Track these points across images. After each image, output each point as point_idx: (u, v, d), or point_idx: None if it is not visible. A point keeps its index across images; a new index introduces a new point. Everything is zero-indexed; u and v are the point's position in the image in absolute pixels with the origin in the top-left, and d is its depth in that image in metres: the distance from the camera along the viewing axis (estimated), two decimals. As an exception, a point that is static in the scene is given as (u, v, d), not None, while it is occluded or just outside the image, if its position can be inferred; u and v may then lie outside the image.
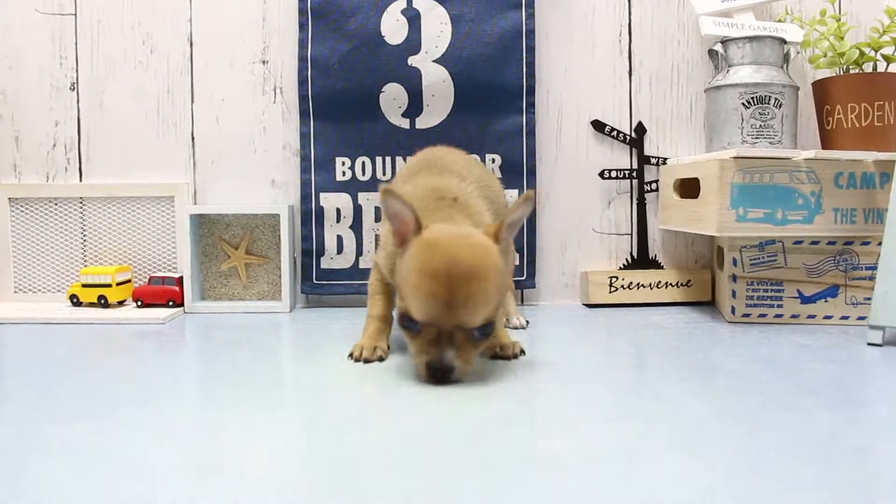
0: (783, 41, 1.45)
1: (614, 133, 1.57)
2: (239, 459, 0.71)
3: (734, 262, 1.37)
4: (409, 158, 1.33)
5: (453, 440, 0.76)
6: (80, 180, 1.58)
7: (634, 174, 1.58)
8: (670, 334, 1.28)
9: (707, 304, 1.55)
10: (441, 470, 0.67)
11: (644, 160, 1.58)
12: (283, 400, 0.93)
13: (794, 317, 1.36)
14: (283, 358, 1.13)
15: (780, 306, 1.36)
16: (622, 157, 1.58)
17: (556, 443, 0.74)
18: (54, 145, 1.58)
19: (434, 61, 1.51)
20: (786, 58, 1.46)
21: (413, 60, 1.52)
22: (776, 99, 1.42)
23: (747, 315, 1.37)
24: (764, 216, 1.30)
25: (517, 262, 1.51)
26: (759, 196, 1.30)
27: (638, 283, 1.54)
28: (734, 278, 1.37)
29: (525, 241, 1.54)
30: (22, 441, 0.76)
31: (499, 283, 0.94)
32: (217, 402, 0.91)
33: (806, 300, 1.36)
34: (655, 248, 1.59)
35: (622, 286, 1.54)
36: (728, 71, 1.45)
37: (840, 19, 1.42)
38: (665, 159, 1.57)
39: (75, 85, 1.57)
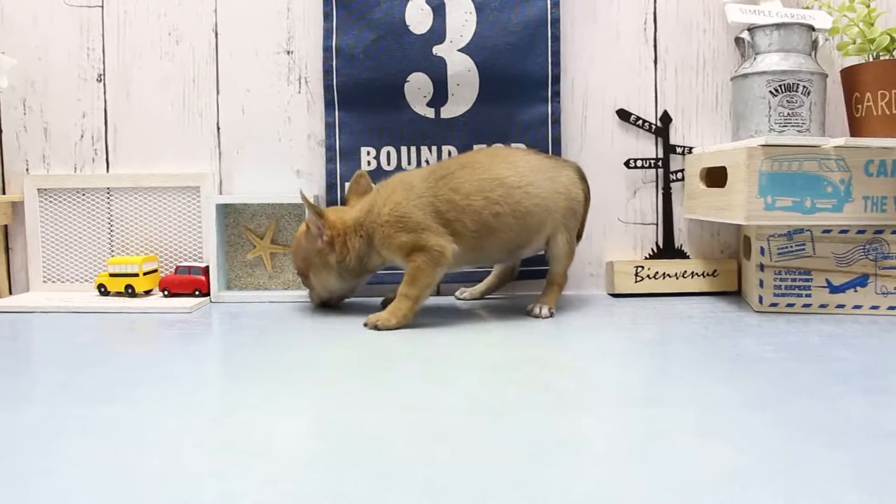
0: (811, 28, 1.43)
1: (639, 122, 1.56)
2: (263, 437, 0.72)
3: (762, 251, 1.36)
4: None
5: (480, 423, 0.76)
6: (108, 171, 1.59)
7: (660, 163, 1.57)
8: (697, 323, 1.27)
9: (733, 294, 1.54)
10: (466, 451, 0.68)
11: (669, 149, 1.57)
12: (308, 381, 0.93)
13: (822, 306, 1.35)
14: (308, 344, 1.14)
15: (808, 296, 1.35)
16: (647, 146, 1.57)
17: (583, 427, 0.74)
18: (82, 136, 1.59)
19: (459, 50, 1.51)
20: (814, 45, 1.44)
21: (438, 50, 1.51)
22: (804, 86, 1.40)
23: (775, 304, 1.36)
24: (792, 204, 1.29)
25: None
26: (788, 184, 1.28)
27: (664, 273, 1.54)
28: (762, 267, 1.37)
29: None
30: (49, 421, 0.78)
31: (295, 252, 1.37)
32: (243, 384, 0.92)
33: (835, 290, 1.35)
34: (681, 238, 1.58)
35: (648, 276, 1.53)
36: (755, 59, 1.44)
37: (870, 5, 1.41)
38: (691, 148, 1.56)
39: (102, 76, 1.58)
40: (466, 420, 0.77)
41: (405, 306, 1.25)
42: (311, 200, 1.38)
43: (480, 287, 1.51)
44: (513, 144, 1.52)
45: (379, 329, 1.23)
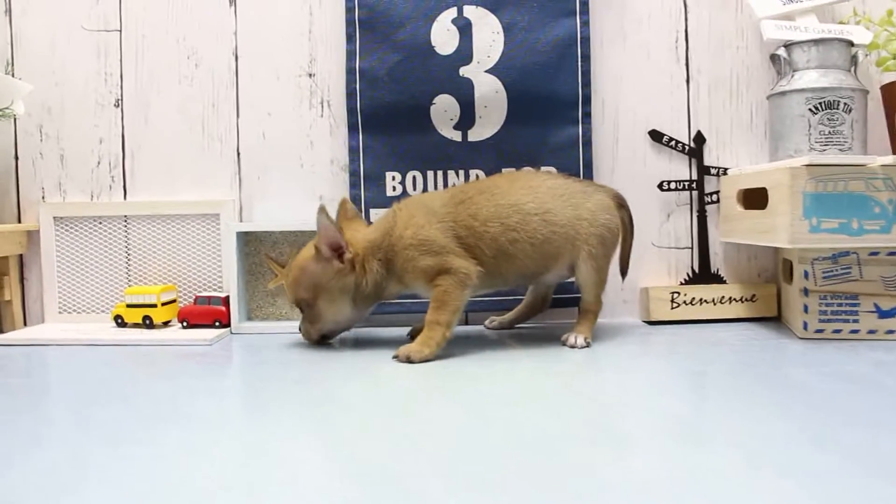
0: (850, 43, 1.39)
1: (672, 143, 1.52)
2: (291, 480, 0.67)
3: (805, 274, 1.31)
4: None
5: (520, 461, 0.71)
6: (125, 198, 1.55)
7: (694, 185, 1.52)
8: (741, 351, 1.22)
9: (772, 319, 1.48)
10: (509, 494, 0.62)
11: (704, 171, 1.52)
12: (337, 419, 0.87)
13: (871, 332, 1.29)
14: (335, 378, 1.08)
15: (855, 321, 1.30)
16: (681, 168, 1.52)
17: (631, 464, 0.69)
18: (98, 163, 1.55)
19: (486, 71, 1.47)
20: (853, 61, 1.40)
21: (465, 71, 1.47)
22: (845, 104, 1.35)
23: (820, 331, 1.31)
24: (839, 226, 1.23)
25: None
26: (834, 205, 1.23)
27: (700, 299, 1.48)
28: (806, 292, 1.31)
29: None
30: (68, 465, 0.73)
31: (297, 278, 1.27)
32: (269, 423, 0.86)
33: (884, 314, 1.29)
34: (717, 262, 1.53)
35: (684, 302, 1.48)
36: (793, 76, 1.39)
37: (911, 20, 1.36)
38: (726, 169, 1.51)
39: (120, 101, 1.54)
40: (506, 459, 0.71)
41: (437, 334, 1.19)
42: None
43: (510, 316, 1.46)
44: (542, 168, 1.47)
45: (412, 361, 1.17)
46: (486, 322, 1.47)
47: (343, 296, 1.26)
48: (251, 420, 0.89)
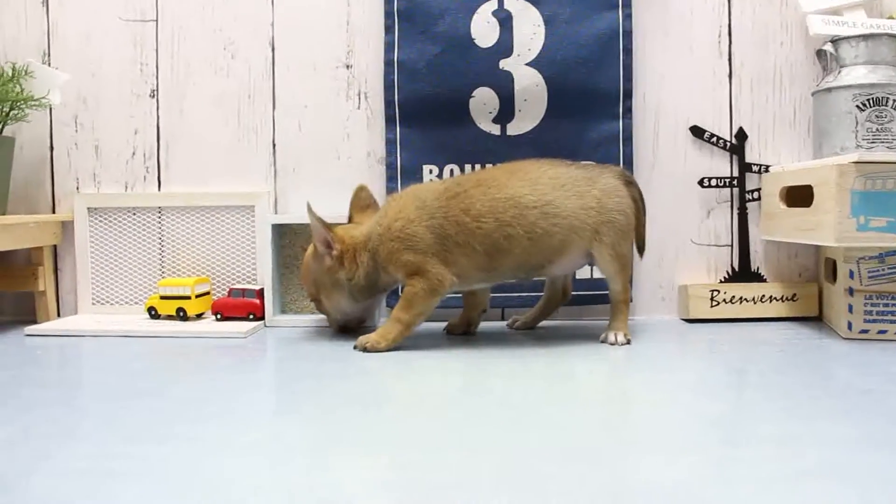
0: (900, 39, 1.36)
1: (714, 139, 1.49)
2: (331, 482, 0.65)
3: (850, 274, 1.29)
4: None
5: (571, 466, 0.69)
6: (159, 189, 1.54)
7: (735, 182, 1.50)
8: (786, 352, 1.20)
9: (813, 319, 1.46)
10: (560, 500, 0.60)
11: (745, 167, 1.49)
12: (376, 418, 0.86)
13: (917, 333, 1.27)
14: (372, 372, 1.07)
15: (902, 322, 1.28)
16: (722, 165, 1.50)
17: (690, 469, 0.67)
18: (133, 154, 1.54)
19: (527, 64, 1.45)
20: (903, 57, 1.37)
21: (504, 64, 1.45)
22: (894, 100, 1.33)
23: (865, 331, 1.28)
24: (887, 225, 1.21)
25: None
26: (882, 204, 1.21)
27: (741, 298, 1.46)
28: (851, 292, 1.29)
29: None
30: (100, 461, 0.71)
31: (305, 276, 1.34)
32: (306, 421, 0.85)
33: (931, 316, 1.27)
34: (757, 261, 1.51)
35: (724, 300, 1.46)
36: (840, 72, 1.37)
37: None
38: (767, 166, 1.49)
39: (155, 92, 1.53)
40: (555, 463, 0.70)
41: (396, 330, 1.22)
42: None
43: (532, 314, 1.42)
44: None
45: (368, 351, 1.21)
46: (509, 322, 1.45)
47: (338, 290, 1.29)
48: (290, 419, 0.87)
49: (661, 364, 1.13)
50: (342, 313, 1.34)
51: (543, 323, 1.43)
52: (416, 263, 1.21)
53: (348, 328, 1.37)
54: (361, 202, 1.36)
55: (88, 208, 1.53)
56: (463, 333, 1.37)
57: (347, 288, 1.28)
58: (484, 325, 1.41)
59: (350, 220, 1.36)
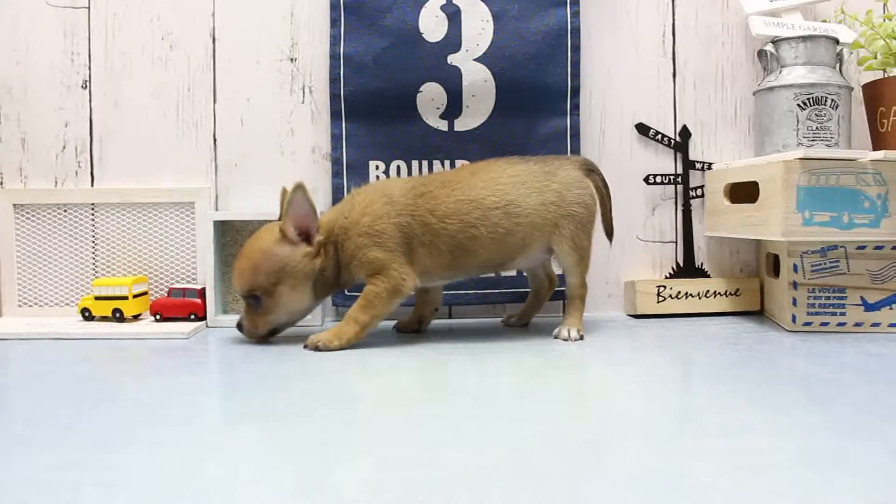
0: (836, 41, 1.40)
1: (658, 137, 1.51)
2: (317, 485, 0.62)
3: (795, 268, 1.32)
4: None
5: (566, 457, 0.68)
6: (92, 185, 1.47)
7: (679, 179, 1.52)
8: (740, 344, 1.21)
9: (756, 313, 1.49)
10: (510, 487, 0.59)
11: (689, 165, 1.52)
12: (356, 417, 0.83)
13: (857, 325, 1.31)
14: (337, 373, 1.04)
15: (843, 314, 1.31)
16: (666, 162, 1.52)
17: (683, 460, 0.67)
18: (64, 147, 1.47)
19: (475, 60, 1.44)
20: (839, 58, 1.41)
21: (453, 59, 1.44)
22: (832, 100, 1.37)
23: (808, 324, 1.32)
24: (830, 220, 1.24)
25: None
26: (826, 199, 1.24)
27: (686, 293, 1.48)
28: (795, 285, 1.32)
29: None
30: (63, 471, 0.66)
31: (257, 263, 1.19)
32: (282, 422, 0.81)
33: (870, 307, 1.31)
34: (701, 257, 1.53)
35: (670, 296, 1.48)
36: (780, 72, 1.40)
37: (893, 18, 1.39)
38: (710, 164, 1.52)
39: (88, 83, 1.46)
40: (551, 456, 0.69)
41: (352, 331, 1.19)
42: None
43: (524, 309, 1.41)
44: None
45: (320, 350, 1.17)
46: (503, 318, 1.43)
47: (306, 282, 1.21)
48: (263, 420, 0.83)
49: (619, 358, 1.13)
50: (290, 312, 1.24)
51: (494, 319, 1.42)
52: (382, 261, 1.18)
53: (274, 333, 1.27)
54: None
55: (14, 205, 1.45)
56: (413, 331, 1.35)
57: (313, 280, 1.22)
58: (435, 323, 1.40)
59: (281, 218, 1.31)
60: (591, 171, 1.31)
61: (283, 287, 1.20)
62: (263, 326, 1.23)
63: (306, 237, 1.21)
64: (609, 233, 1.35)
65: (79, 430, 0.78)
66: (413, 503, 0.57)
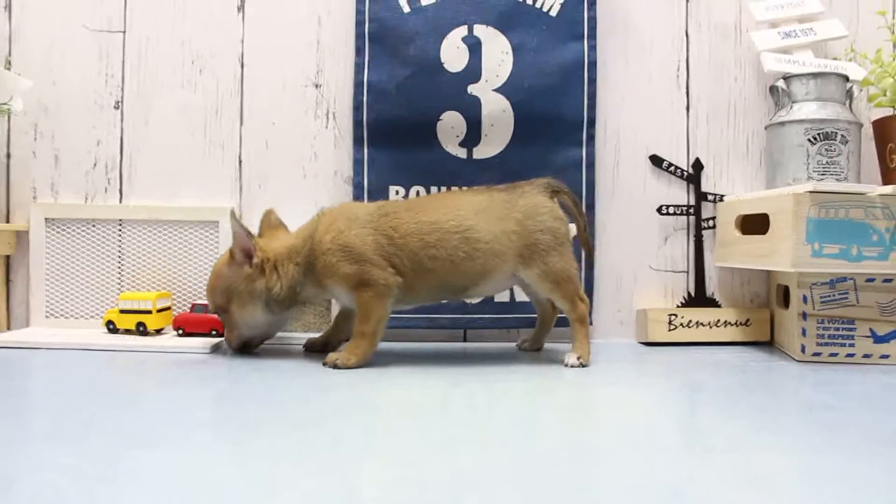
0: (846, 78, 1.44)
1: (672, 168, 1.55)
2: (344, 490, 0.65)
3: (804, 299, 1.34)
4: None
5: (556, 469, 0.70)
6: (120, 201, 1.52)
7: (692, 210, 1.55)
8: (748, 372, 1.24)
9: (765, 344, 1.51)
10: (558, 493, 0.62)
11: (701, 196, 1.55)
12: (378, 426, 0.86)
13: (866, 356, 1.33)
14: (357, 387, 1.07)
15: (851, 345, 1.33)
16: (679, 193, 1.55)
17: (699, 472, 0.69)
18: (94, 165, 1.52)
19: (494, 90, 1.48)
20: (849, 95, 1.45)
21: (473, 89, 1.48)
22: (842, 135, 1.40)
23: (817, 354, 1.34)
24: (839, 252, 1.27)
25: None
26: (835, 231, 1.27)
27: (697, 322, 1.50)
28: (805, 316, 1.34)
29: (582, 276, 1.50)
30: (95, 464, 0.69)
31: (213, 284, 1.29)
32: (304, 430, 0.84)
33: (879, 339, 1.33)
34: (712, 286, 1.56)
35: (681, 324, 1.50)
36: (791, 107, 1.44)
37: (903, 59, 1.42)
38: (722, 196, 1.55)
39: (120, 103, 1.52)
40: (565, 466, 0.71)
41: (364, 344, 1.23)
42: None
43: (533, 335, 1.44)
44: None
45: (339, 367, 1.21)
46: (518, 343, 1.46)
47: (254, 300, 1.27)
48: (284, 427, 0.87)
49: (628, 382, 1.15)
50: (251, 327, 1.30)
51: (508, 343, 1.45)
52: (355, 274, 1.22)
53: (250, 346, 1.34)
54: (272, 223, 1.37)
55: (46, 218, 1.50)
56: (319, 351, 1.38)
57: (264, 298, 1.27)
58: (429, 346, 1.42)
59: (260, 237, 1.36)
60: (556, 191, 1.32)
61: (233, 305, 1.28)
62: (234, 339, 1.32)
63: (252, 260, 1.27)
64: (586, 249, 1.37)
65: (103, 429, 0.81)
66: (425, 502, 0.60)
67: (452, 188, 1.49)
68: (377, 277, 1.22)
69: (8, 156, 1.51)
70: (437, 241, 1.23)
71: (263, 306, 1.27)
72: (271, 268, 1.26)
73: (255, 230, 1.32)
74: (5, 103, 1.39)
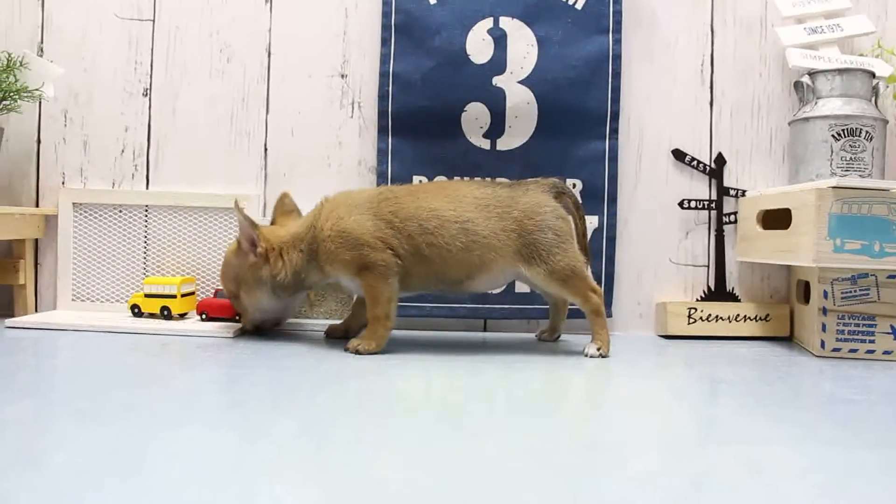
0: (872, 74, 1.44)
1: (694, 163, 1.55)
2: (368, 474, 0.66)
3: (825, 294, 1.34)
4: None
5: (573, 456, 0.71)
6: (147, 188, 1.54)
7: (713, 205, 1.56)
8: (768, 365, 1.24)
9: (784, 339, 1.51)
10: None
11: (723, 191, 1.55)
12: (403, 411, 0.88)
13: (886, 353, 1.33)
14: (378, 373, 1.08)
15: (871, 342, 1.33)
16: (701, 188, 1.56)
17: (722, 462, 0.70)
18: (122, 151, 1.54)
19: (519, 82, 1.49)
20: (874, 91, 1.45)
21: (497, 80, 1.49)
22: (867, 132, 1.40)
23: (837, 349, 1.34)
24: (861, 248, 1.27)
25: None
26: (857, 227, 1.27)
27: (717, 316, 1.51)
28: (825, 311, 1.34)
29: (603, 269, 1.50)
30: (130, 441, 0.71)
31: (223, 272, 1.36)
32: (329, 412, 0.86)
33: (899, 336, 1.33)
34: (732, 281, 1.56)
35: (701, 318, 1.51)
36: (816, 103, 1.44)
37: (930, 56, 1.42)
38: (744, 191, 1.55)
39: (148, 91, 1.54)
40: (581, 456, 0.72)
41: (380, 327, 1.25)
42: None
43: (549, 325, 1.45)
44: (567, 180, 1.50)
45: (360, 353, 1.23)
46: (537, 333, 1.48)
47: (260, 287, 1.31)
48: (312, 409, 0.88)
49: (646, 373, 1.16)
50: (261, 311, 1.36)
51: (528, 334, 1.46)
52: (355, 259, 1.24)
53: (263, 328, 1.40)
54: (285, 207, 1.41)
55: (74, 203, 1.52)
56: (339, 337, 1.39)
57: (270, 285, 1.31)
58: (449, 335, 1.44)
59: (273, 223, 1.40)
60: (560, 193, 1.33)
61: (242, 291, 1.34)
62: (247, 323, 1.39)
63: (238, 241, 1.32)
64: (584, 255, 1.34)
65: (129, 408, 0.83)
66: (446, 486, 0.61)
67: (475, 179, 1.50)
68: (376, 259, 1.24)
69: (38, 141, 1.54)
70: (435, 227, 1.25)
71: (270, 292, 1.32)
72: (276, 256, 1.29)
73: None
74: (37, 89, 1.41)
